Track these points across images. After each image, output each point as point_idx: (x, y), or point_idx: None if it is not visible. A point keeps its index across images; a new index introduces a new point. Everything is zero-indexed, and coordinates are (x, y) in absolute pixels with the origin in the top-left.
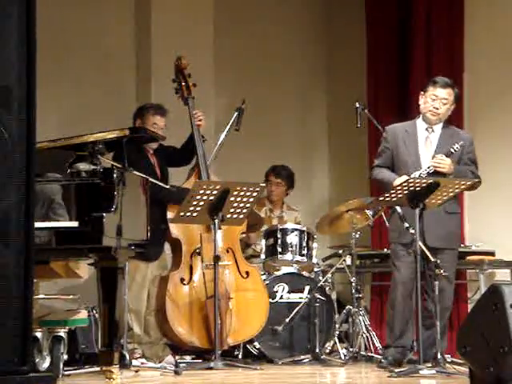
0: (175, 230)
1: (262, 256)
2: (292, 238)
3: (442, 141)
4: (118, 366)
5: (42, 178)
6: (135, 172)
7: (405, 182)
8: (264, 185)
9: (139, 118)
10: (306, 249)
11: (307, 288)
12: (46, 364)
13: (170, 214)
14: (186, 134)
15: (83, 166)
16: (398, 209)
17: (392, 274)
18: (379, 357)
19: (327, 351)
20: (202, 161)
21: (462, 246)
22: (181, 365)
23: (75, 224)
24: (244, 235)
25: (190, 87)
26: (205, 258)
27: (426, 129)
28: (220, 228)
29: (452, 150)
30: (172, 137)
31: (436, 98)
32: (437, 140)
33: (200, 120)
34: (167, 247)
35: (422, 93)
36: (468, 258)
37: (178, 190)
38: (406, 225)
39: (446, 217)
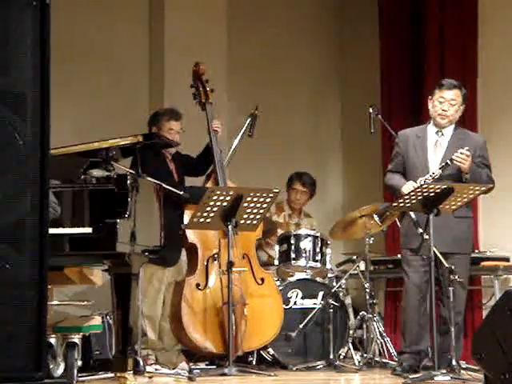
0: (192, 235)
1: (276, 262)
2: (306, 244)
3: (452, 144)
4: (132, 372)
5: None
6: (149, 178)
7: (417, 188)
8: (278, 191)
9: (154, 124)
10: (319, 254)
11: (321, 294)
12: (60, 370)
13: (186, 220)
14: (200, 140)
15: (97, 173)
16: (412, 214)
17: (403, 279)
18: (394, 363)
19: (341, 357)
20: (219, 166)
21: (476, 251)
22: (195, 371)
23: (89, 230)
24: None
25: (207, 93)
26: (222, 263)
27: (436, 132)
28: (237, 233)
29: (449, 162)
30: (186, 143)
31: (444, 101)
32: (447, 143)
33: (217, 128)
34: (183, 253)
35: (430, 97)
36: (482, 263)
37: (192, 191)
38: (420, 230)
39: (454, 221)
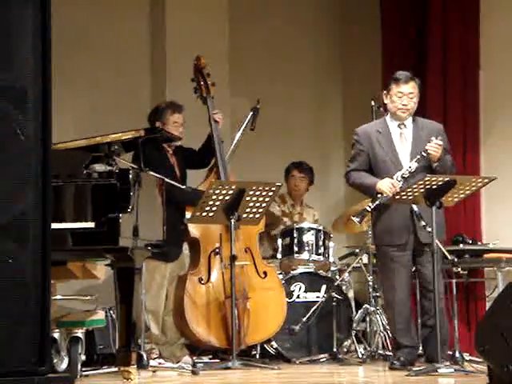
0: (194, 229)
1: (279, 255)
2: (308, 237)
3: (416, 134)
4: (135, 366)
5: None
6: (151, 172)
7: (416, 183)
8: (280, 184)
9: (158, 119)
10: (322, 248)
11: (324, 287)
12: (64, 365)
13: (188, 215)
14: (202, 133)
15: (99, 167)
16: (415, 207)
17: (384, 276)
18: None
19: (345, 350)
20: (220, 160)
21: (479, 243)
22: (198, 365)
23: (92, 225)
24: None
25: (208, 86)
26: (224, 257)
27: (399, 125)
28: (239, 227)
29: (424, 154)
30: (188, 137)
31: (402, 95)
32: (411, 135)
33: (219, 119)
34: (185, 247)
35: (385, 92)
36: (485, 255)
37: (193, 192)
38: (423, 223)
39: (430, 210)
